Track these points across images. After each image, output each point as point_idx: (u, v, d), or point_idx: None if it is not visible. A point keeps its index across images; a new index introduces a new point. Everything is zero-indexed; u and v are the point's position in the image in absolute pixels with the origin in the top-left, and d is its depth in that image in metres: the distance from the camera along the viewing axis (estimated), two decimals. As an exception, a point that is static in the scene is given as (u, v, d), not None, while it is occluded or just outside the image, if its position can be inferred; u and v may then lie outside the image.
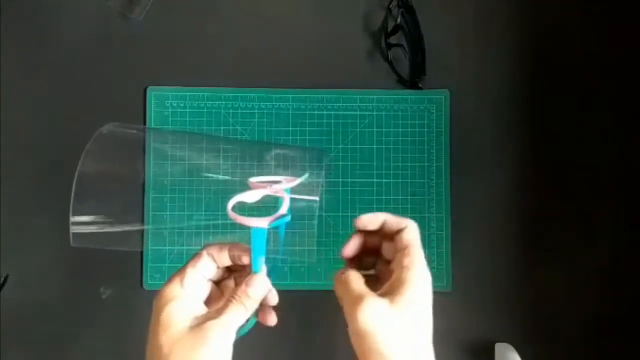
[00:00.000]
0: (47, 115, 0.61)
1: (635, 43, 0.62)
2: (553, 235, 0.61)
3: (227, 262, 0.40)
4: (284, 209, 0.39)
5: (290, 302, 0.60)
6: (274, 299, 0.41)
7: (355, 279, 0.37)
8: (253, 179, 0.40)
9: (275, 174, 0.41)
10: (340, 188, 0.61)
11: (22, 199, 0.61)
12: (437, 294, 0.60)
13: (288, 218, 0.39)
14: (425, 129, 0.62)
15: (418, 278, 0.37)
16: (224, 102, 0.62)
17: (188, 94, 0.62)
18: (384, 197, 0.61)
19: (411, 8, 0.61)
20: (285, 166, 0.43)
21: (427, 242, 0.61)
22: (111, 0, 0.61)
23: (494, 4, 0.63)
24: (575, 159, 0.62)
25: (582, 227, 0.61)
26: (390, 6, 0.61)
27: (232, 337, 0.36)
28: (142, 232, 0.52)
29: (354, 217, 0.60)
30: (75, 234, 0.40)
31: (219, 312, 0.36)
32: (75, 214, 0.41)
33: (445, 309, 0.60)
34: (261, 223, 0.38)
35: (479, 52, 0.62)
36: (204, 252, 0.39)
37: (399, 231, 0.39)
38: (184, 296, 0.37)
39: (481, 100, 0.62)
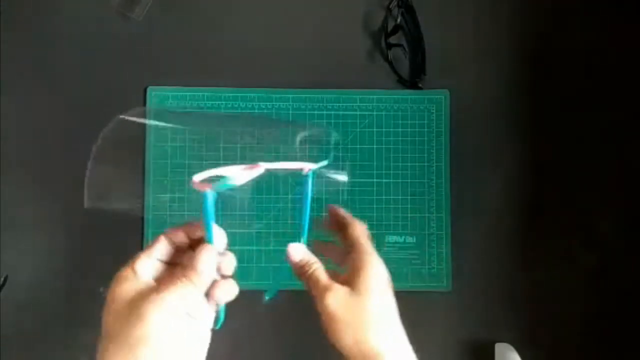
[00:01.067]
0: (47, 116, 0.61)
1: (635, 43, 0.62)
2: (553, 235, 0.61)
3: (182, 238, 0.39)
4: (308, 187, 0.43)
5: (288, 301, 0.60)
6: (229, 267, 0.39)
7: (321, 273, 0.41)
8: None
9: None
10: (341, 188, 0.61)
11: (22, 198, 0.61)
12: (437, 294, 0.61)
13: (234, 182, 0.37)
14: (425, 129, 0.62)
15: (370, 267, 0.41)
16: (224, 102, 0.62)
17: (188, 94, 0.62)
18: (384, 197, 0.61)
19: (411, 8, 0.61)
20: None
21: (427, 242, 0.61)
22: (111, 0, 0.61)
23: (494, 4, 0.63)
24: (575, 159, 0.62)
25: (582, 227, 0.61)
26: (390, 6, 0.61)
27: (171, 314, 0.35)
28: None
29: (353, 217, 0.61)
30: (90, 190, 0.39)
31: (160, 289, 0.35)
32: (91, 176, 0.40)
33: (445, 309, 0.61)
34: (205, 187, 0.36)
35: (479, 52, 0.62)
36: (162, 236, 0.38)
37: (346, 228, 0.44)
38: (133, 278, 0.36)
39: (481, 101, 0.62)
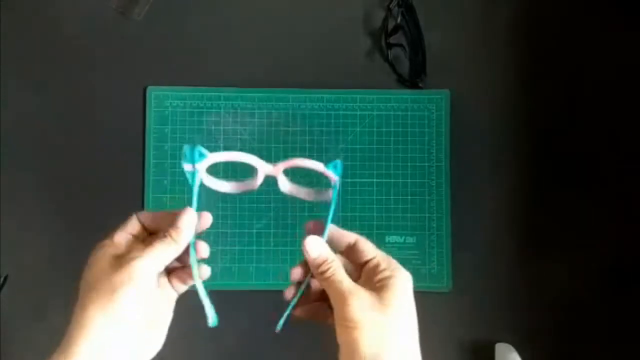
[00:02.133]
0: (47, 116, 0.61)
1: (636, 44, 0.62)
2: (554, 235, 0.61)
3: (149, 222, 0.41)
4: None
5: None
6: (206, 223, 0.41)
7: (343, 274, 0.38)
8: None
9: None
10: (340, 188, 0.61)
11: (22, 198, 0.61)
12: (437, 294, 0.61)
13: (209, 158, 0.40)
14: (426, 129, 0.62)
15: (400, 281, 0.38)
16: (224, 102, 0.62)
17: (188, 94, 0.62)
18: (384, 197, 0.61)
19: (411, 8, 0.61)
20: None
21: (427, 242, 0.61)
22: (111, 0, 0.61)
23: (494, 4, 0.63)
24: (575, 159, 0.62)
25: (583, 227, 0.61)
26: (390, 6, 0.61)
27: (154, 271, 0.37)
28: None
29: (353, 217, 0.61)
30: None
31: (144, 246, 0.38)
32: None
33: (445, 309, 0.61)
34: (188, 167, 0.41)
35: (479, 52, 0.62)
36: (133, 215, 0.41)
37: (353, 246, 0.40)
38: (112, 245, 0.39)
39: (481, 100, 0.62)
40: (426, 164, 0.62)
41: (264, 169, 0.41)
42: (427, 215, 0.61)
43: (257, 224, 0.61)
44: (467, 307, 0.61)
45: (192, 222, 0.39)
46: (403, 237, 0.61)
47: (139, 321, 0.37)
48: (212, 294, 0.58)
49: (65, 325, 0.38)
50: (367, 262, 0.39)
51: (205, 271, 0.41)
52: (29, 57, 0.61)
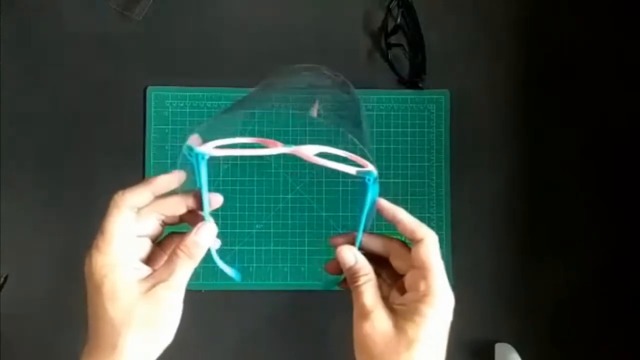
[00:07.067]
0: (47, 116, 0.61)
1: (636, 43, 0.62)
2: (553, 235, 0.61)
3: (182, 209, 0.38)
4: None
5: (290, 301, 0.60)
6: (217, 204, 0.40)
7: (369, 289, 0.36)
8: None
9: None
10: (341, 188, 0.61)
11: (23, 198, 0.61)
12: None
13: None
14: (425, 129, 0.62)
15: (433, 311, 0.35)
16: (223, 102, 0.62)
17: (188, 94, 0.62)
18: (383, 197, 0.61)
19: (411, 8, 0.61)
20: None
21: (427, 242, 0.61)
22: (111, 0, 0.61)
23: (494, 4, 0.63)
24: (575, 158, 0.62)
25: (583, 227, 0.61)
26: (390, 6, 0.61)
27: (183, 294, 0.36)
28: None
29: (353, 217, 0.61)
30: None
31: (167, 272, 0.36)
32: None
33: (445, 309, 0.61)
34: (206, 148, 0.37)
35: (479, 52, 0.62)
36: (123, 206, 0.36)
37: (414, 241, 0.38)
38: (123, 262, 0.35)
39: (481, 101, 0.62)
40: (426, 163, 0.62)
41: (282, 150, 0.39)
42: (427, 215, 0.61)
43: (257, 224, 0.61)
44: (467, 307, 0.60)
45: (212, 236, 0.38)
46: (403, 237, 0.61)
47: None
48: (212, 293, 0.58)
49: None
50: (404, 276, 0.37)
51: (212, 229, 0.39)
52: (29, 56, 0.61)
